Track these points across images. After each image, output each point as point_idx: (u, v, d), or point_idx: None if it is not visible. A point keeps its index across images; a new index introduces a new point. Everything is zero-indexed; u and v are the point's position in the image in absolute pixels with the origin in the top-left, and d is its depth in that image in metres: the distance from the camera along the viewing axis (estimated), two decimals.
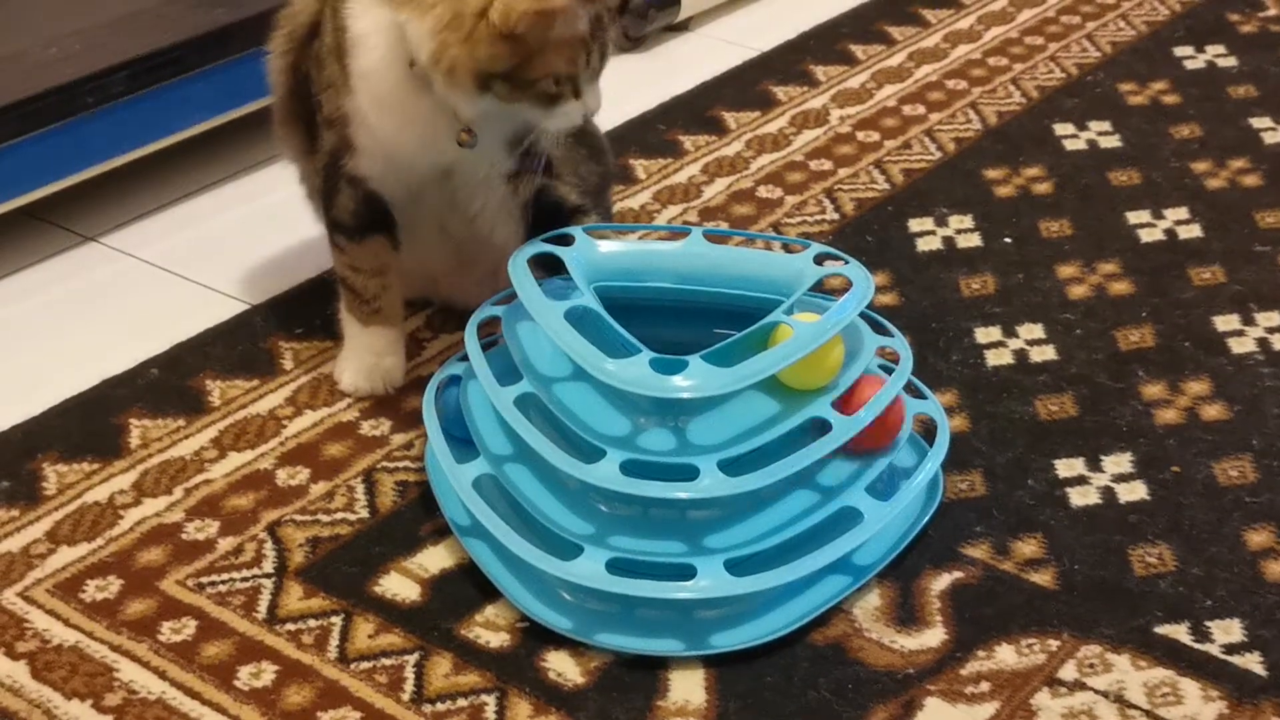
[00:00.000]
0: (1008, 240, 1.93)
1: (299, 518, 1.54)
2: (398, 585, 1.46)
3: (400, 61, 1.50)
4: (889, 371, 1.52)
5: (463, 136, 1.53)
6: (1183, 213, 1.97)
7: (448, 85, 1.47)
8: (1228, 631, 1.39)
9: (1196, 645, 1.38)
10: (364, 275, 1.65)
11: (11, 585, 1.47)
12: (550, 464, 1.40)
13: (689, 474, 1.38)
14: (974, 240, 1.93)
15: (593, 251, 1.54)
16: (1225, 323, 1.77)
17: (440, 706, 1.34)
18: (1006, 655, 1.38)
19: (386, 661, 1.38)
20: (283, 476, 1.59)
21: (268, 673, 1.37)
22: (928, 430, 1.56)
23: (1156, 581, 1.44)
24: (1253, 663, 1.36)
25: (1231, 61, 2.32)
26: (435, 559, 1.49)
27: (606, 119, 1.83)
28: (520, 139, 1.55)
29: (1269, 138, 2.13)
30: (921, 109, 2.22)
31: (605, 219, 1.72)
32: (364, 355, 1.69)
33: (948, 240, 1.93)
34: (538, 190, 1.62)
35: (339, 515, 1.54)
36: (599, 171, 1.73)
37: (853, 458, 1.48)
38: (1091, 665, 1.36)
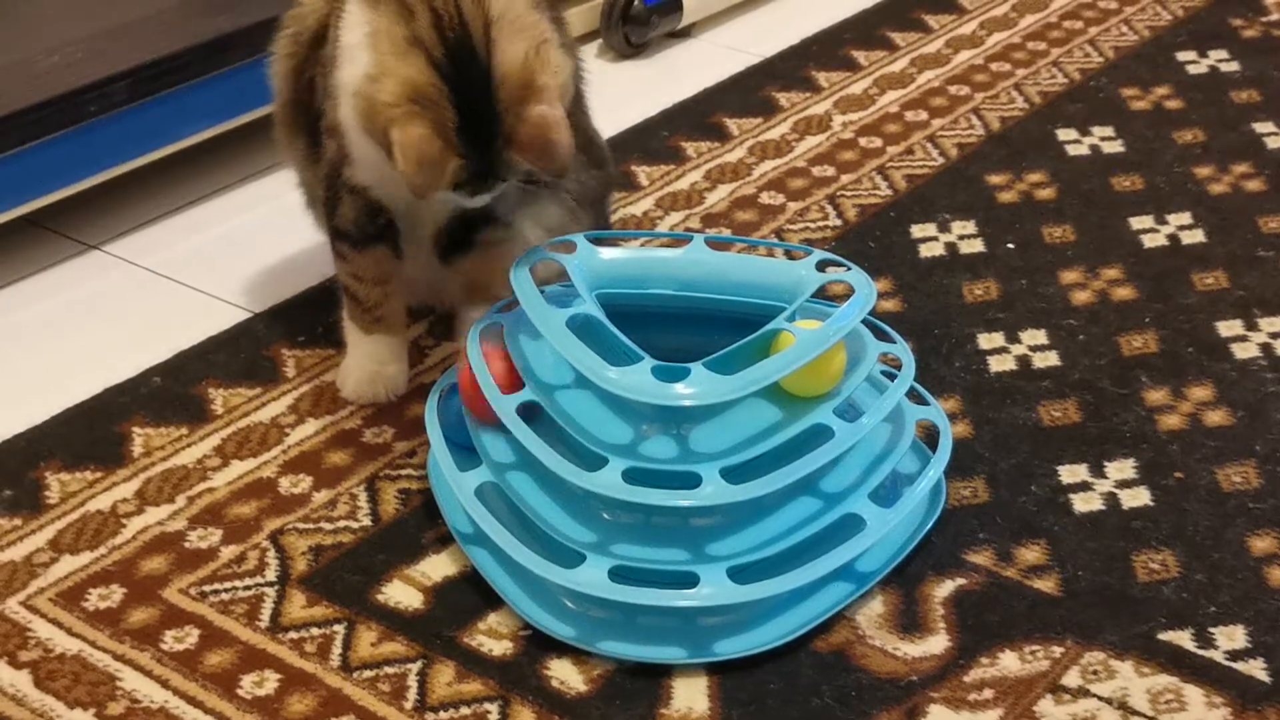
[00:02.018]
0: (1010, 246, 1.93)
1: (302, 526, 1.54)
2: (400, 593, 1.46)
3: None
4: (892, 378, 1.52)
5: None
6: (1186, 218, 1.97)
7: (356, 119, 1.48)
8: (1231, 638, 1.39)
9: (1200, 652, 1.38)
10: (366, 284, 1.65)
11: (14, 594, 1.47)
12: (552, 472, 1.40)
13: (691, 481, 1.38)
14: (977, 246, 1.93)
15: (594, 258, 1.54)
16: (1228, 328, 1.77)
17: (443, 715, 1.34)
18: (1010, 662, 1.37)
19: (389, 670, 1.38)
20: (285, 484, 1.59)
21: (270, 681, 1.37)
22: (931, 436, 1.56)
23: (1160, 588, 1.44)
24: (1256, 669, 1.36)
25: (1234, 66, 2.32)
26: (438, 567, 1.49)
27: (608, 125, 1.83)
28: None
29: (1272, 142, 2.13)
30: (924, 114, 2.22)
31: (604, 226, 1.72)
32: (366, 363, 1.69)
33: (950, 246, 1.93)
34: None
35: (341, 523, 1.54)
36: (599, 177, 1.73)
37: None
38: (1095, 672, 1.36)
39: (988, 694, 1.34)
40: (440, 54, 1.43)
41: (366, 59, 1.45)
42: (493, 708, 1.34)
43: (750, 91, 2.30)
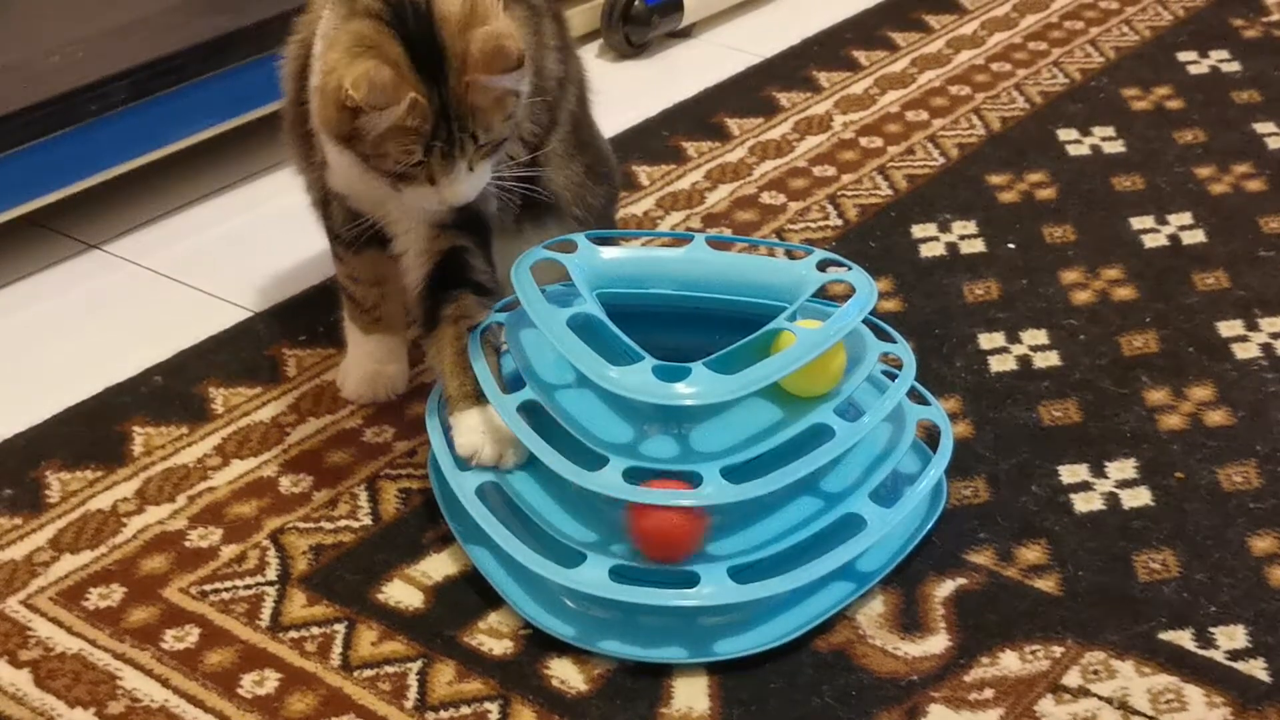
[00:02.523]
0: (1011, 246, 1.93)
1: (302, 525, 1.54)
2: (401, 592, 1.46)
3: None
4: (892, 378, 1.52)
5: (391, 180, 1.47)
6: (1186, 218, 1.97)
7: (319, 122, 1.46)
8: (1232, 637, 1.39)
9: (1201, 651, 1.38)
10: (363, 285, 1.65)
11: (15, 593, 1.47)
12: (553, 471, 1.40)
13: (692, 481, 1.38)
14: (977, 246, 1.93)
15: (595, 258, 1.54)
16: (1229, 328, 1.77)
17: (443, 714, 1.34)
18: (1010, 662, 1.37)
19: (389, 669, 1.38)
20: (286, 484, 1.59)
21: (271, 680, 1.37)
22: (931, 436, 1.56)
23: (1160, 587, 1.44)
24: (1257, 669, 1.36)
25: (1235, 66, 2.32)
26: (438, 566, 1.49)
27: (610, 125, 1.83)
28: None
29: (1273, 143, 2.13)
30: (925, 114, 2.22)
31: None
32: (366, 363, 1.69)
33: (951, 246, 1.93)
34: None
35: (342, 523, 1.54)
36: (606, 193, 1.73)
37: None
38: (1095, 671, 1.36)
39: (988, 694, 1.34)
40: (381, 9, 1.41)
41: (320, 60, 1.44)
42: (493, 707, 1.34)
43: (751, 91, 2.30)
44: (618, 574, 1.37)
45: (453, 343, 1.51)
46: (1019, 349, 1.75)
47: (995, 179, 2.06)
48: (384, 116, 1.39)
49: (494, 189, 1.52)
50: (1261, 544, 1.48)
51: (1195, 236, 1.93)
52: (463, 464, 1.47)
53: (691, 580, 1.37)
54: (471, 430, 1.47)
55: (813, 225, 1.98)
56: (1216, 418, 1.64)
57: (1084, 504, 1.54)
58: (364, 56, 1.39)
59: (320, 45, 1.46)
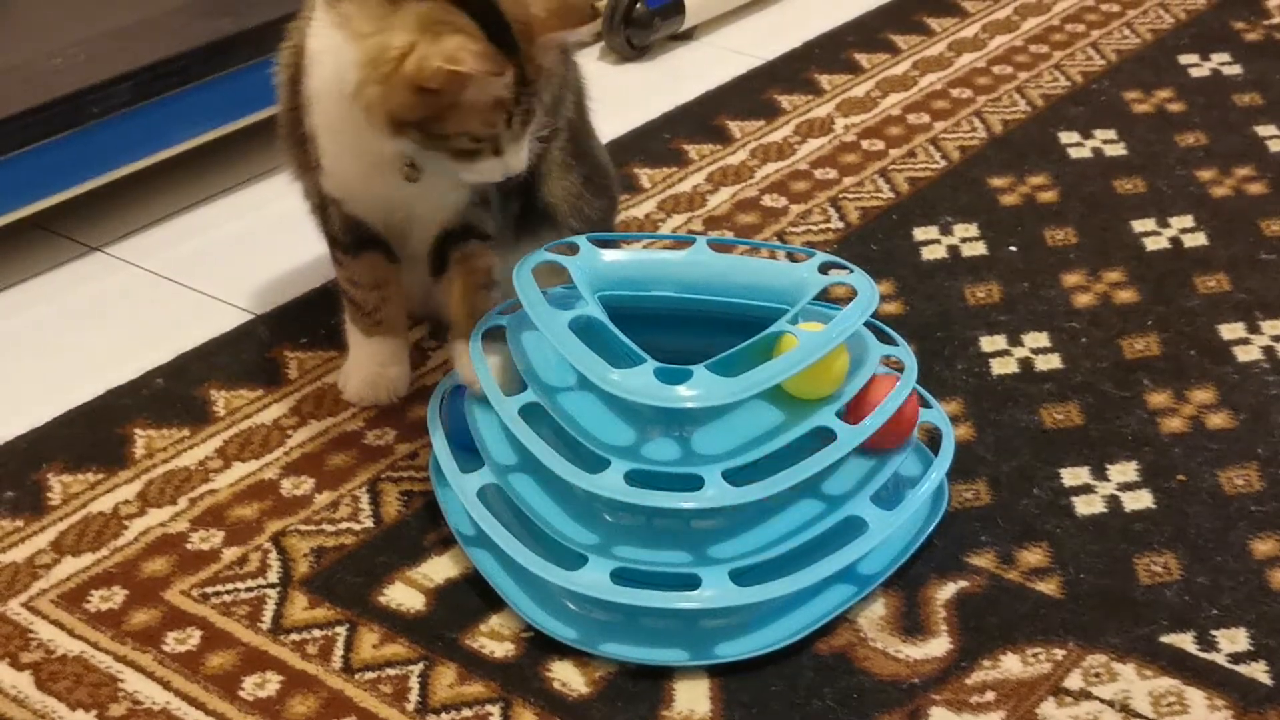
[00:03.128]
0: (1013, 249, 1.93)
1: (303, 528, 1.54)
2: (402, 595, 1.46)
3: (345, 85, 1.44)
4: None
5: (407, 171, 1.49)
6: (1188, 221, 1.97)
7: (366, 121, 1.43)
8: (1233, 640, 1.39)
9: (1202, 654, 1.38)
10: (363, 288, 1.65)
11: (16, 595, 1.47)
12: (555, 474, 1.40)
13: (694, 484, 1.38)
14: (979, 249, 1.93)
15: (597, 261, 1.54)
16: (1231, 331, 1.77)
17: (445, 717, 1.34)
18: (1012, 664, 1.37)
19: (391, 671, 1.38)
20: (287, 486, 1.59)
21: (272, 683, 1.37)
22: (933, 439, 1.56)
23: (1162, 590, 1.44)
24: (1258, 672, 1.36)
25: (1237, 69, 2.32)
26: (440, 569, 1.49)
27: (611, 128, 1.83)
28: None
29: (1274, 145, 2.13)
30: (926, 117, 2.22)
31: None
32: (368, 365, 1.69)
33: (952, 249, 1.93)
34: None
35: (343, 525, 1.54)
36: (604, 207, 1.73)
37: (868, 457, 1.48)
38: (1097, 674, 1.36)
39: (989, 696, 1.34)
40: None
41: (350, 52, 1.41)
42: (494, 709, 1.34)
43: (752, 94, 2.30)
44: (619, 576, 1.37)
45: (462, 279, 1.58)
46: (1020, 351, 1.75)
47: (997, 181, 2.06)
48: (484, 90, 1.38)
49: (497, 196, 1.54)
50: (1263, 547, 1.48)
51: (1197, 239, 1.93)
52: (465, 467, 1.47)
53: (693, 583, 1.37)
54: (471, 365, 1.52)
55: (814, 228, 1.98)
56: (1218, 420, 1.64)
57: (1085, 507, 1.54)
58: (446, 34, 1.37)
59: (332, 38, 1.44)
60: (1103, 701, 1.34)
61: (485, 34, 1.39)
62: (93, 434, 1.66)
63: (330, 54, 1.46)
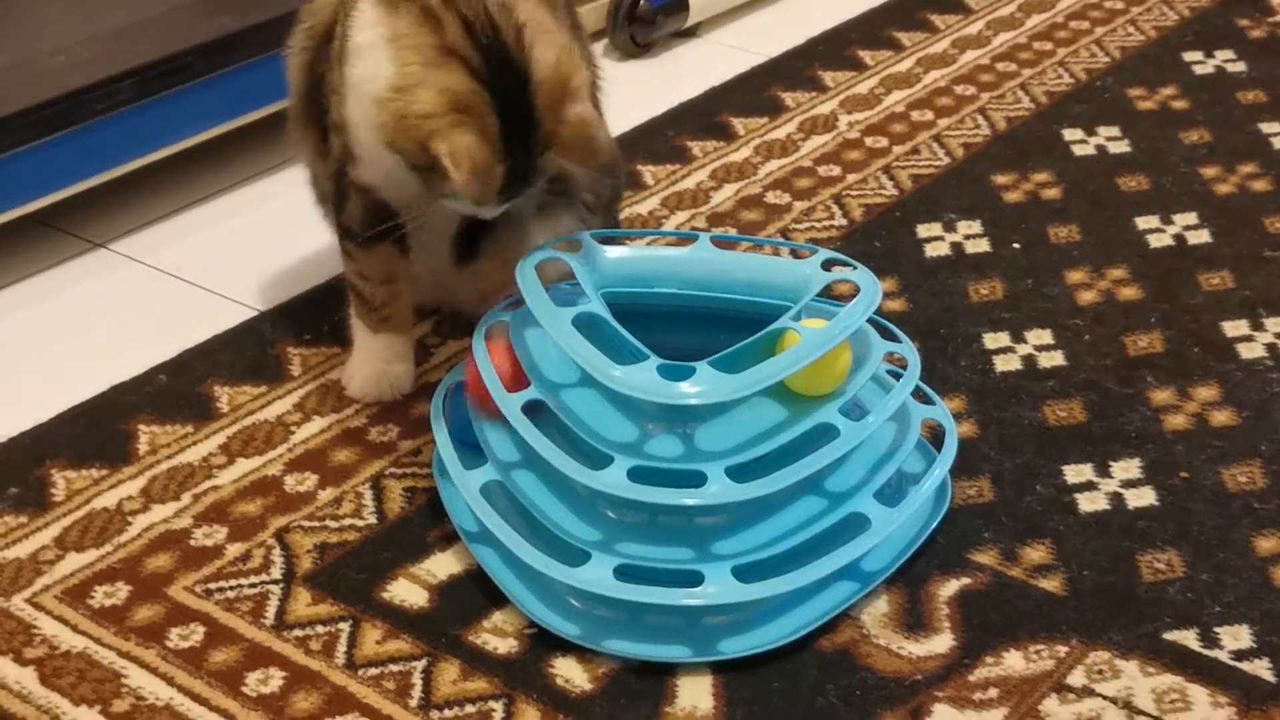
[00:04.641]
0: (1016, 246, 1.93)
1: (307, 524, 1.54)
2: (405, 591, 1.46)
3: (378, 90, 1.46)
4: (897, 377, 1.52)
5: None
6: (1192, 218, 1.97)
7: (374, 126, 1.46)
8: (1236, 637, 1.39)
9: (1205, 651, 1.37)
10: (373, 282, 1.65)
11: (20, 591, 1.47)
12: (558, 470, 1.40)
13: (697, 480, 1.38)
14: (982, 246, 1.93)
15: (600, 257, 1.54)
16: (1234, 328, 1.77)
17: (448, 713, 1.34)
18: (1015, 661, 1.37)
19: (394, 668, 1.38)
20: (291, 483, 1.59)
21: (275, 679, 1.37)
22: (936, 436, 1.56)
23: (1165, 587, 1.44)
24: (1261, 669, 1.36)
25: (1241, 67, 2.32)
26: (443, 565, 1.49)
27: (615, 125, 1.83)
28: None
29: (1278, 143, 2.12)
30: (930, 115, 2.22)
31: (613, 228, 1.72)
32: (373, 362, 1.69)
33: (956, 246, 1.93)
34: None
35: (347, 521, 1.54)
36: (611, 186, 1.74)
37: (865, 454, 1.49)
38: (1100, 671, 1.36)
39: (992, 693, 1.34)
40: (478, 62, 1.41)
41: (388, 67, 1.43)
42: (497, 706, 1.34)
43: (756, 91, 2.30)
44: (622, 573, 1.37)
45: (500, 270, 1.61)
46: (1024, 349, 1.75)
47: (1000, 179, 2.06)
48: (473, 187, 1.41)
49: None
50: (1266, 544, 1.48)
51: (1200, 236, 1.93)
52: (468, 463, 1.47)
53: (696, 579, 1.37)
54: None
55: (818, 225, 1.98)
56: (1221, 418, 1.64)
57: (1089, 504, 1.54)
58: (462, 127, 1.40)
59: (380, 44, 1.45)
60: (1105, 698, 1.34)
61: (504, 130, 1.41)
62: (96, 430, 1.67)
63: (373, 57, 1.46)
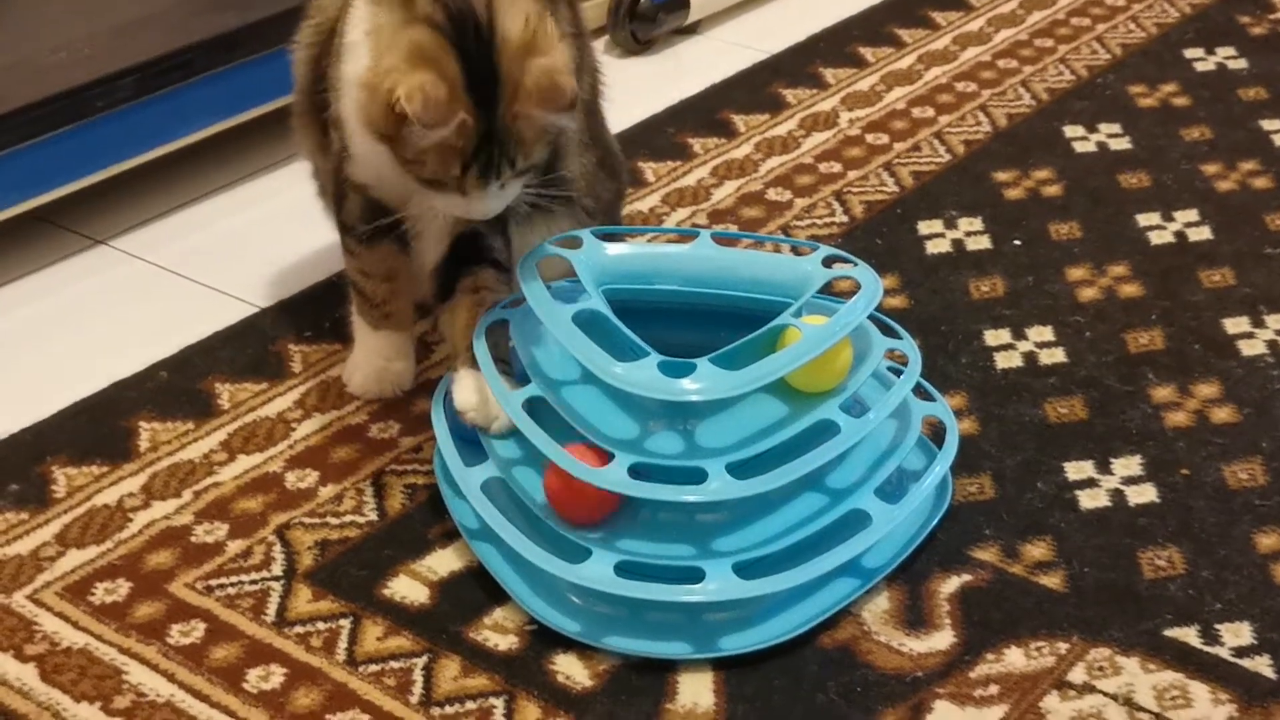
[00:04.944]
0: (1017, 243, 1.93)
1: (308, 520, 1.54)
2: (406, 588, 1.46)
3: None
4: (898, 374, 1.52)
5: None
6: (1193, 215, 1.97)
7: (358, 119, 1.46)
8: (1237, 634, 1.39)
9: (1206, 648, 1.37)
10: (373, 280, 1.65)
11: (21, 588, 1.47)
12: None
13: (697, 477, 1.38)
14: (983, 243, 1.93)
15: (601, 254, 1.54)
16: (1235, 325, 1.77)
17: (449, 709, 1.34)
18: (1015, 658, 1.37)
19: (395, 664, 1.38)
20: (291, 479, 1.59)
21: (276, 675, 1.37)
22: (937, 433, 1.56)
23: (1166, 584, 1.44)
24: (1263, 665, 1.36)
25: (1242, 64, 2.32)
26: (444, 562, 1.49)
27: (616, 122, 1.83)
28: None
29: (1279, 140, 2.12)
30: (931, 111, 2.22)
31: None
32: (373, 359, 1.69)
33: (957, 243, 1.93)
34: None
35: (348, 518, 1.54)
36: (614, 189, 1.74)
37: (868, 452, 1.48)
38: (1101, 668, 1.36)
39: (993, 690, 1.34)
40: (442, 19, 1.41)
41: (366, 55, 1.44)
42: (498, 702, 1.34)
43: (757, 88, 2.30)
44: (623, 570, 1.37)
45: (469, 309, 1.56)
46: (1025, 345, 1.75)
47: (1001, 176, 2.06)
48: (431, 132, 1.39)
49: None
50: (1267, 541, 1.48)
51: (1201, 233, 1.93)
52: (469, 460, 1.47)
53: (697, 576, 1.37)
54: (470, 390, 1.51)
55: (819, 222, 1.98)
56: (1222, 415, 1.64)
57: (1089, 501, 1.54)
58: (421, 68, 1.39)
59: (365, 39, 1.45)
60: (1106, 695, 1.34)
61: (467, 81, 1.40)
62: (97, 427, 1.67)
63: (360, 51, 1.46)
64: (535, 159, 1.47)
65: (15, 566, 1.49)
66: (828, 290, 1.54)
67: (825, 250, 1.55)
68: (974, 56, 2.37)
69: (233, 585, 1.47)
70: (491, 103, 1.42)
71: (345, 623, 1.42)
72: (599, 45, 2.42)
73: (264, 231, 2.00)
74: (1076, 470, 1.57)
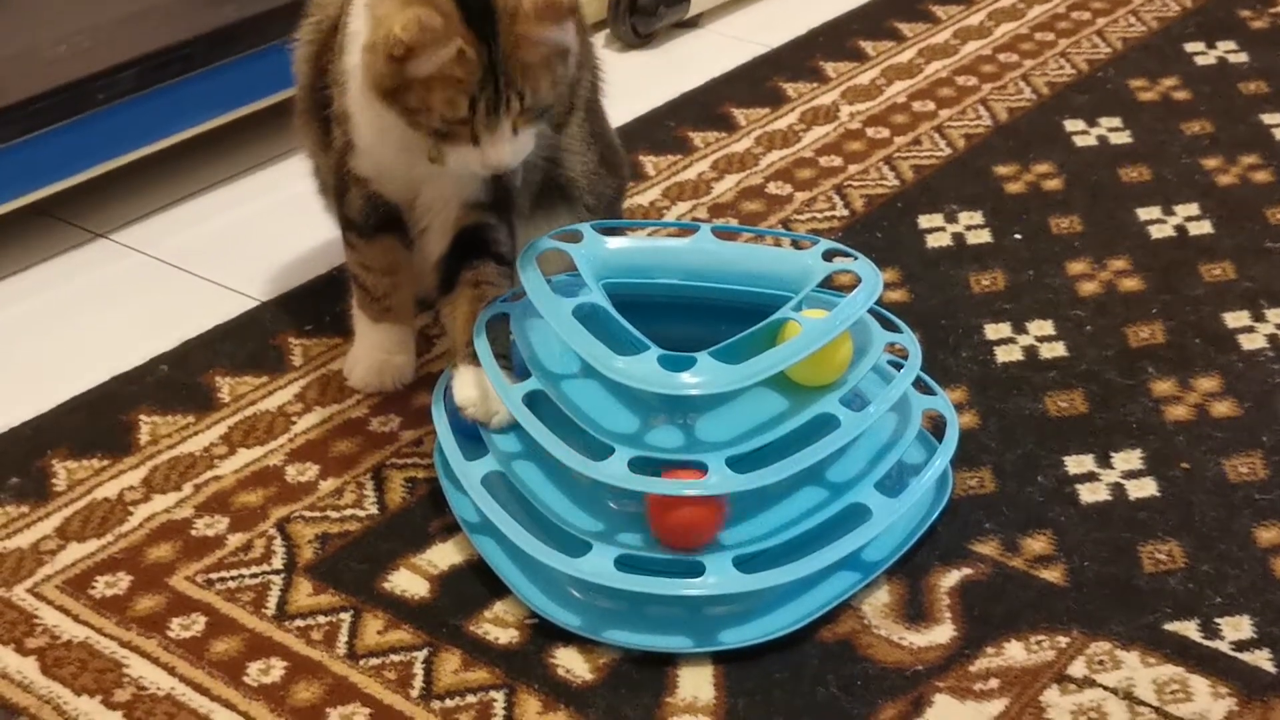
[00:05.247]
0: (1018, 237, 1.93)
1: (308, 514, 1.54)
2: (407, 582, 1.46)
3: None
4: (898, 368, 1.52)
5: (432, 153, 1.48)
6: (1193, 209, 1.97)
7: (365, 90, 1.45)
8: (1237, 628, 1.39)
9: (1206, 642, 1.38)
10: (375, 273, 1.65)
11: (21, 581, 1.47)
12: (559, 461, 1.40)
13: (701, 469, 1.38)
14: (984, 237, 1.93)
15: (601, 248, 1.54)
16: (1235, 319, 1.77)
17: (449, 703, 1.34)
18: (1016, 652, 1.37)
19: (395, 658, 1.38)
20: (292, 473, 1.59)
21: (277, 669, 1.37)
22: (937, 427, 1.56)
23: (1166, 578, 1.44)
24: (1262, 659, 1.36)
25: (1243, 58, 2.32)
26: (444, 556, 1.49)
27: (617, 116, 1.83)
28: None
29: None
30: (931, 105, 2.22)
31: None
32: (374, 352, 1.69)
33: (957, 237, 1.93)
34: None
35: (348, 512, 1.54)
36: (615, 184, 1.74)
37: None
38: (1101, 662, 1.36)
39: (993, 684, 1.34)
40: None
41: (367, 34, 1.44)
42: (498, 696, 1.34)
43: (757, 82, 2.30)
44: (623, 563, 1.37)
45: (470, 303, 1.55)
46: (1025, 339, 1.75)
47: (1002, 170, 2.06)
48: (430, 61, 1.38)
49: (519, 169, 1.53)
50: (1267, 535, 1.48)
51: (1202, 227, 1.93)
52: (469, 454, 1.48)
53: (697, 570, 1.37)
54: (469, 385, 1.51)
55: (819, 215, 1.98)
56: (1222, 409, 1.64)
57: (1090, 494, 1.54)
58: (415, 4, 1.38)
59: (364, 26, 1.45)
60: (1106, 689, 1.34)
61: (463, 14, 1.39)
62: (97, 421, 1.67)
63: (363, 33, 1.46)
64: (543, 96, 1.45)
65: (16, 560, 1.49)
66: (828, 284, 1.53)
67: (825, 244, 1.55)
68: (974, 50, 2.37)
69: (233, 579, 1.47)
70: (491, 33, 1.40)
71: (346, 616, 1.42)
72: (599, 39, 2.42)
73: (265, 225, 2.00)
74: (1077, 464, 1.57)
